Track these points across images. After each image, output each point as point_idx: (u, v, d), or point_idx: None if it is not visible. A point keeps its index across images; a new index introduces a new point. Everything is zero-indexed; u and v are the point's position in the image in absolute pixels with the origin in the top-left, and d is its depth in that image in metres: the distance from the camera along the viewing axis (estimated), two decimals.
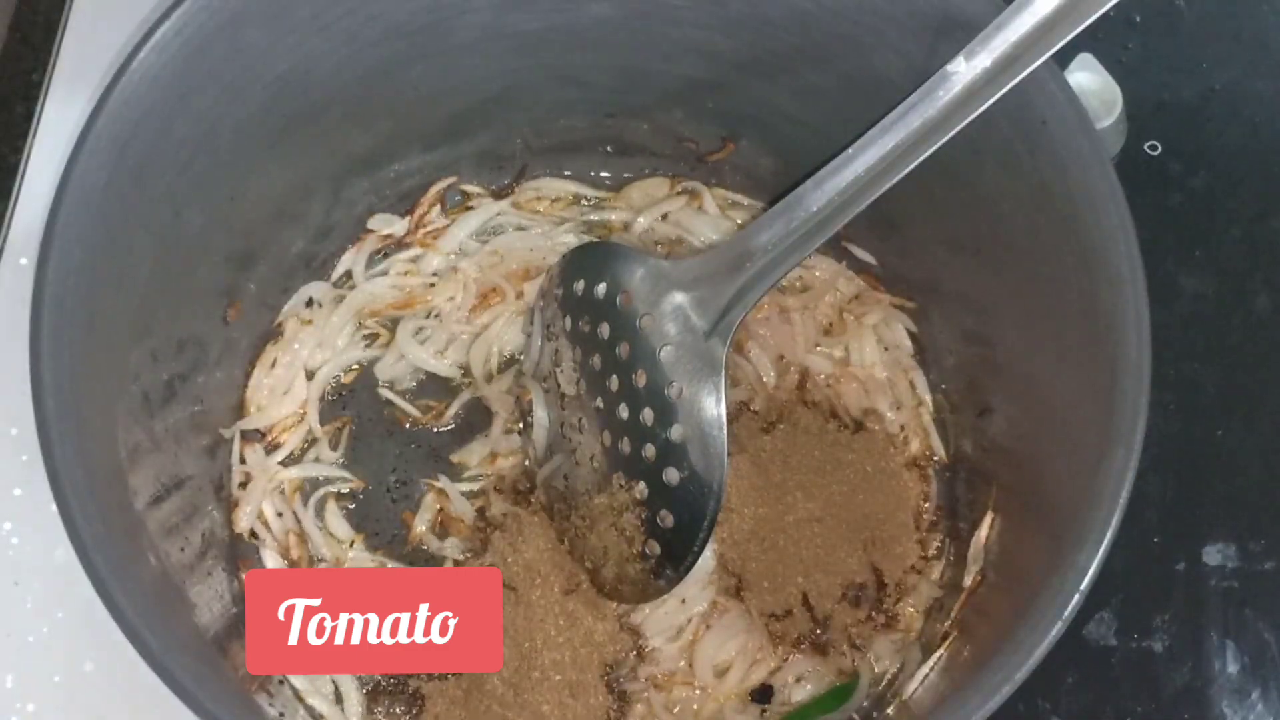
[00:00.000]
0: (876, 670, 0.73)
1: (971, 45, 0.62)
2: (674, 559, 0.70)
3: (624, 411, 0.71)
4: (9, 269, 0.83)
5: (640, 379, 0.71)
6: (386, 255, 0.84)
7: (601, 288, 0.73)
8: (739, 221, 0.85)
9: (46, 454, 0.59)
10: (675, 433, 0.69)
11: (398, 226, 0.84)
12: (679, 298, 0.70)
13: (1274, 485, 0.81)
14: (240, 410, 0.79)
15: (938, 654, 0.71)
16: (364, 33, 0.71)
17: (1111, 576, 0.58)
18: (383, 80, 0.75)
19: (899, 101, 0.64)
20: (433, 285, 0.83)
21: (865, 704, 0.73)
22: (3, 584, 0.76)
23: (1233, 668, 0.77)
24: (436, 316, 0.82)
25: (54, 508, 0.58)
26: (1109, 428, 0.59)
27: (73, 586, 0.57)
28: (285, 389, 0.80)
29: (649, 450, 0.70)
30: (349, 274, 0.83)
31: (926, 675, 0.71)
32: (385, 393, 0.81)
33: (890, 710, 0.71)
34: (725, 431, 0.68)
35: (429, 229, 0.85)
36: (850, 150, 0.65)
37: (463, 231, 0.84)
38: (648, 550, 0.70)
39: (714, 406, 0.68)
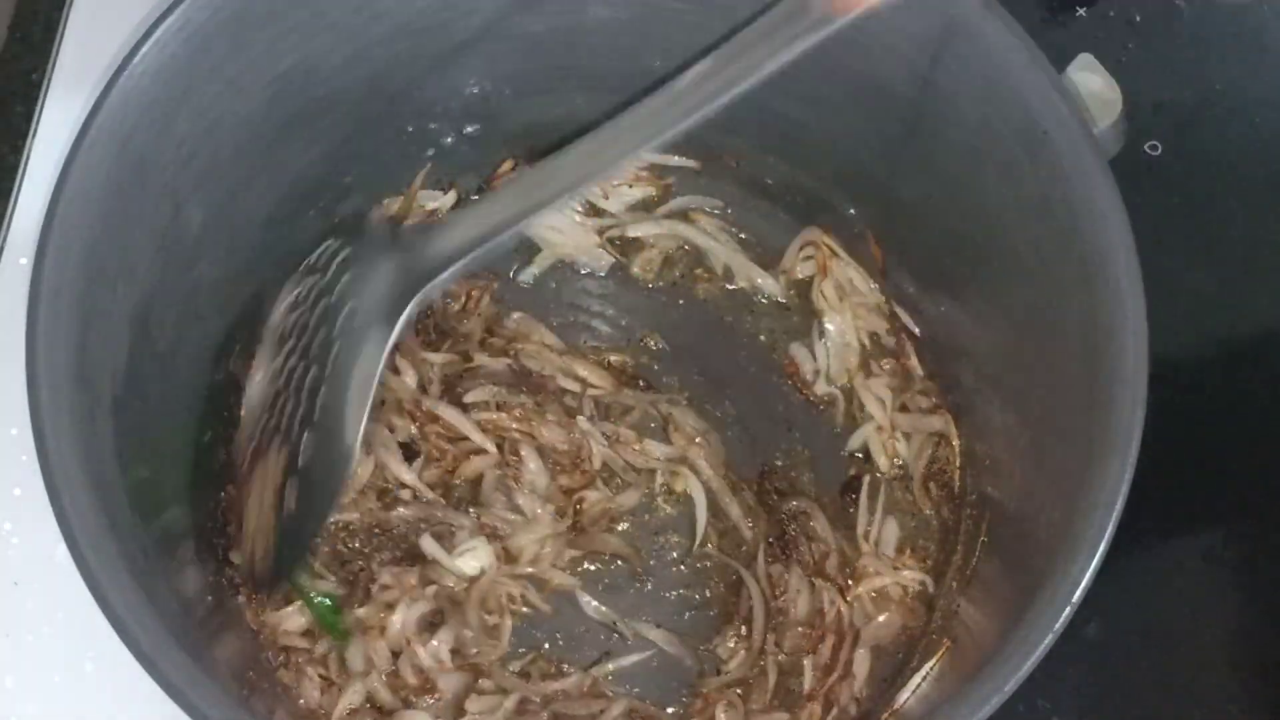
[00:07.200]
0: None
1: None
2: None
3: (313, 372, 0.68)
4: (9, 269, 0.82)
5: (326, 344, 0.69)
6: None
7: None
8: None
9: (42, 453, 0.58)
10: (320, 400, 0.66)
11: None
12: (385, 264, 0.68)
13: (1274, 485, 0.81)
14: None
15: (929, 664, 0.71)
16: (367, 31, 0.71)
17: (1112, 576, 0.57)
18: (385, 79, 0.74)
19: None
20: None
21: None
22: (3, 584, 0.76)
23: (1233, 667, 0.77)
24: None
25: None
26: (1104, 439, 0.59)
27: (73, 586, 0.57)
28: None
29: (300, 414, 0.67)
30: None
31: (918, 685, 0.71)
32: None
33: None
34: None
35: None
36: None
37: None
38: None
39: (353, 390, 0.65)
